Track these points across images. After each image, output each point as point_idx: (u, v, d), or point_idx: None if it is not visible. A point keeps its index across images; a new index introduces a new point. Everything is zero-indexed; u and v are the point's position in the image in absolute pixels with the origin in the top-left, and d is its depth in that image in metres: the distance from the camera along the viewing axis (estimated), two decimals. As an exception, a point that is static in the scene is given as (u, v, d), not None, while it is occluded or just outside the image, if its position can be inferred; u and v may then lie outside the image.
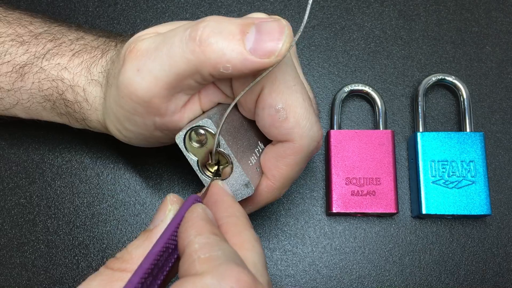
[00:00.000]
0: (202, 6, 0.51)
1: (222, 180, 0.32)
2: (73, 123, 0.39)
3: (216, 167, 0.33)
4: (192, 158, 0.32)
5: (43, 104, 0.38)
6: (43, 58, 0.37)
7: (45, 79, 0.37)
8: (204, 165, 0.33)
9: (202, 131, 0.31)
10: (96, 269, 0.43)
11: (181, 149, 0.32)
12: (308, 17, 0.29)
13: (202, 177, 0.33)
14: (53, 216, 0.44)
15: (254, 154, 0.34)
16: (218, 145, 0.31)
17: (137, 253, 0.27)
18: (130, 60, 0.31)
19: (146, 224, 0.44)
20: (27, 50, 0.37)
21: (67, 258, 0.43)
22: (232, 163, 0.32)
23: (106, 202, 0.45)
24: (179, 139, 0.32)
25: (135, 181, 0.45)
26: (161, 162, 0.46)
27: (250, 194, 0.33)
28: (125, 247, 0.29)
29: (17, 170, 0.45)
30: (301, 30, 0.28)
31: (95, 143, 0.46)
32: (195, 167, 0.33)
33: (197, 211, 0.27)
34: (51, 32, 0.39)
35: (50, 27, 0.39)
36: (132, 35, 0.35)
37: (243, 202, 0.34)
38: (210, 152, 0.32)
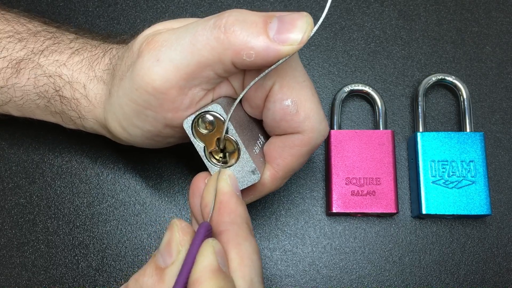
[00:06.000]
0: (202, 6, 0.51)
1: (228, 167, 0.33)
2: (66, 123, 0.39)
3: (221, 154, 0.33)
4: (199, 145, 0.33)
5: (37, 101, 0.38)
6: (40, 54, 0.37)
7: (42, 75, 0.37)
8: (209, 152, 0.33)
9: (210, 117, 0.31)
10: (96, 269, 0.43)
11: (189, 135, 0.32)
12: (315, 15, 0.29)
13: (208, 164, 0.33)
14: (53, 216, 0.44)
15: (256, 145, 0.35)
16: (227, 131, 0.31)
17: None
18: (148, 51, 0.31)
19: (146, 224, 0.44)
20: (25, 46, 0.37)
21: (67, 258, 0.43)
22: (238, 150, 0.32)
23: (106, 202, 0.45)
24: (187, 124, 0.32)
25: (135, 181, 0.45)
26: (161, 162, 0.46)
27: (256, 181, 0.33)
28: (135, 278, 0.29)
29: (17, 170, 0.45)
30: (322, 19, 0.29)
31: (95, 143, 0.46)
32: (202, 154, 0.33)
33: (208, 258, 0.27)
34: (50, 30, 0.39)
35: (49, 26, 0.39)
36: (133, 35, 0.35)
37: (244, 191, 0.34)
38: (218, 139, 0.32)
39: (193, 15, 0.50)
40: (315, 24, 0.29)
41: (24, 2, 0.51)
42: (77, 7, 0.50)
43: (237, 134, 0.32)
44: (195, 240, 0.28)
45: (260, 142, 0.35)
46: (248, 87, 0.31)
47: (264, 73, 0.30)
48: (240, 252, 0.29)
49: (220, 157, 0.33)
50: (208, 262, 0.27)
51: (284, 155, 0.34)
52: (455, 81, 0.46)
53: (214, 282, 0.26)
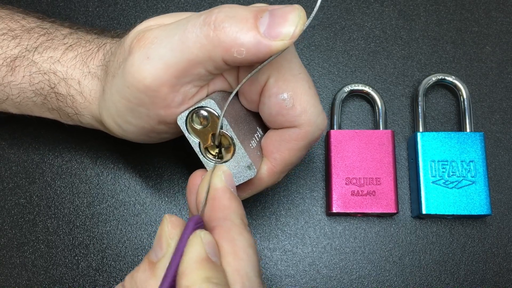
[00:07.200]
0: (202, 6, 0.51)
1: (224, 162, 0.32)
2: (64, 119, 0.39)
3: (217, 150, 0.33)
4: (194, 140, 0.32)
5: (34, 98, 0.38)
6: (34, 51, 0.37)
7: (37, 72, 0.37)
8: (205, 148, 0.33)
9: (205, 113, 0.31)
10: (96, 269, 0.43)
11: (183, 131, 0.32)
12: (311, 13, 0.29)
13: (203, 160, 0.33)
14: (53, 216, 0.44)
15: (254, 139, 0.34)
16: (221, 126, 0.31)
17: None
18: (139, 48, 0.31)
19: (146, 224, 0.44)
20: (19, 43, 0.37)
21: (67, 258, 0.43)
22: (234, 145, 0.32)
23: (106, 202, 0.45)
24: (181, 120, 0.32)
25: (135, 181, 0.45)
26: (161, 162, 0.46)
27: (252, 176, 0.33)
28: (130, 275, 0.29)
29: (17, 170, 0.45)
30: (315, 12, 0.28)
31: (95, 143, 0.46)
32: (197, 149, 0.33)
33: (195, 249, 0.27)
34: (43, 26, 0.38)
35: (42, 22, 0.39)
36: (127, 30, 0.35)
37: (242, 186, 0.34)
38: (213, 134, 0.32)
39: (193, 15, 0.50)
40: (308, 17, 0.28)
41: (24, 2, 0.51)
42: (77, 7, 0.50)
43: (232, 130, 0.31)
44: (184, 233, 0.28)
45: (258, 135, 0.35)
46: (241, 84, 0.30)
47: (256, 69, 0.30)
48: (235, 247, 0.28)
49: (216, 152, 0.33)
50: (195, 253, 0.27)
51: (281, 149, 0.34)
52: (455, 81, 0.46)
53: (201, 273, 0.26)
